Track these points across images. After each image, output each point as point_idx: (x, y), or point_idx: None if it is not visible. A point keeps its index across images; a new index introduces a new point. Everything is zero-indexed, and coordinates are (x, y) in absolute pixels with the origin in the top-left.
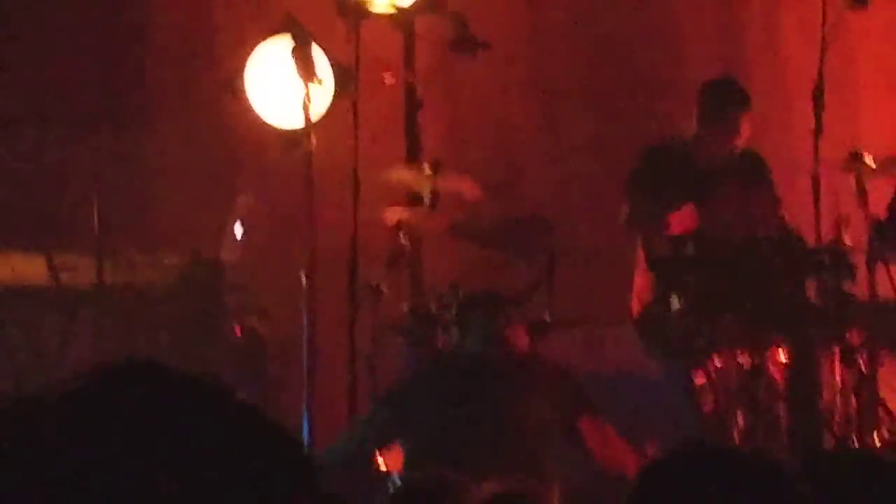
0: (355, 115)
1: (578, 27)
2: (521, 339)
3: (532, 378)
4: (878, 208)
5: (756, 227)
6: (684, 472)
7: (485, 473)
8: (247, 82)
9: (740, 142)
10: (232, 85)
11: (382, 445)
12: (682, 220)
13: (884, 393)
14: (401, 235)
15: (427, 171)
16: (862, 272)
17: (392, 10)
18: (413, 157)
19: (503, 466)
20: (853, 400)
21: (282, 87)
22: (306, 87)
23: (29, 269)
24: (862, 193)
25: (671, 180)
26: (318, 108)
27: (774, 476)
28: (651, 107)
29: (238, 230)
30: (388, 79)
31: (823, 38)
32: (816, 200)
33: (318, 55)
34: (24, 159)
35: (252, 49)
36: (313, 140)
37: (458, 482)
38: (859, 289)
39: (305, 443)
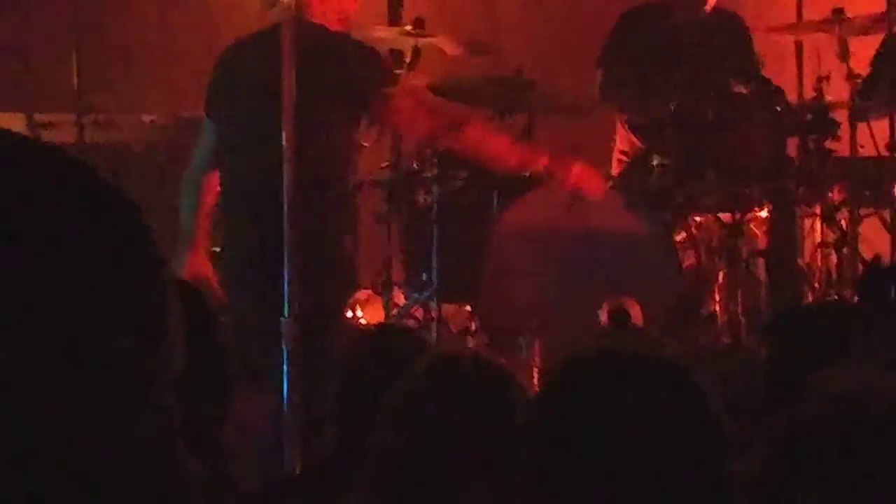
0: None
1: None
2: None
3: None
4: (861, 66)
5: (735, 85)
6: (591, 376)
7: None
8: None
9: None
10: None
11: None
12: None
13: (864, 250)
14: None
15: (408, 28)
16: (844, 130)
17: None
18: (394, 15)
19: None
20: (834, 257)
21: None
22: None
23: (9, 126)
24: (844, 51)
25: (647, 44)
26: None
27: (680, 383)
28: None
29: None
30: None
31: None
32: (799, 58)
33: None
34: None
35: None
36: None
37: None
38: (841, 146)
39: (286, 300)
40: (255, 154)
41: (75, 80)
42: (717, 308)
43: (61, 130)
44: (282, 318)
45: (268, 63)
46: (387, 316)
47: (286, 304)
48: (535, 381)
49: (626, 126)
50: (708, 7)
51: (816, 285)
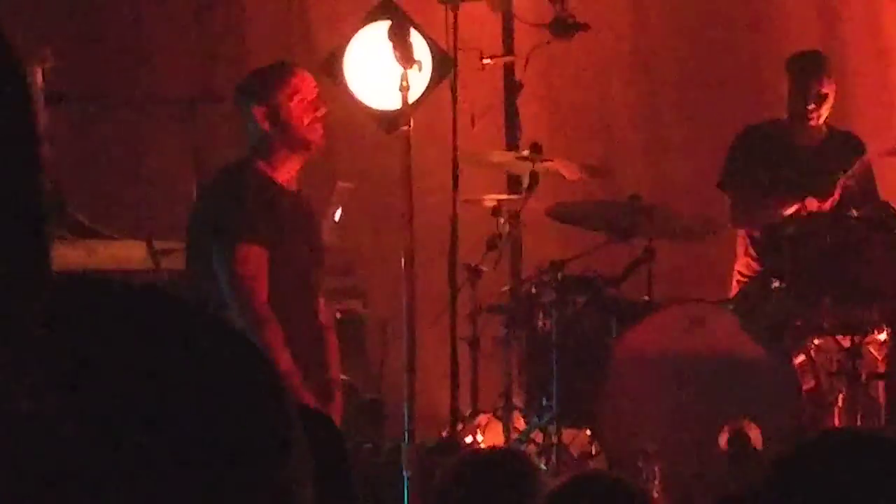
0: (454, 98)
1: (678, 6)
2: None
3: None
4: None
5: (854, 206)
6: (823, 460)
7: None
8: (345, 66)
9: (823, 111)
10: (330, 68)
11: None
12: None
13: None
14: (500, 218)
15: (526, 153)
16: None
17: None
18: (512, 139)
19: None
20: None
21: (380, 70)
22: (405, 70)
23: (130, 254)
24: None
25: (769, 164)
26: (417, 92)
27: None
28: (753, 86)
29: (337, 214)
30: (487, 62)
31: None
32: None
33: (416, 39)
34: (121, 142)
35: (349, 32)
36: (411, 123)
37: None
38: None
39: (407, 426)
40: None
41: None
42: None
43: (181, 258)
44: (402, 445)
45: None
46: (507, 440)
47: (406, 432)
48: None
49: (745, 248)
50: (819, 121)
51: None
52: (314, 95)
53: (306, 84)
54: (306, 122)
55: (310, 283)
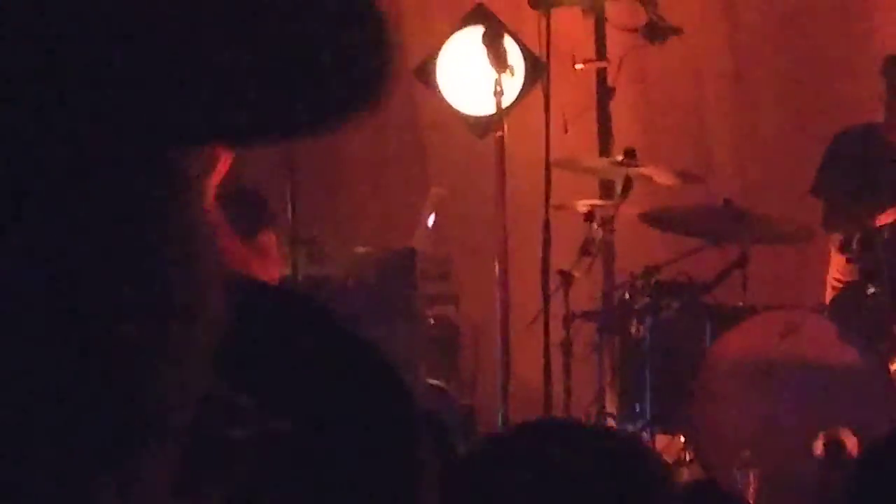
0: (547, 103)
1: (772, 8)
2: None
3: None
4: None
5: None
6: None
7: None
8: (438, 71)
9: None
10: (423, 73)
11: None
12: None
13: None
14: (593, 223)
15: (619, 158)
16: None
17: None
18: (605, 144)
19: None
20: None
21: (473, 76)
22: (498, 76)
23: None
24: None
25: (866, 170)
26: (510, 98)
27: None
28: (849, 91)
29: (431, 220)
30: (579, 67)
31: None
32: None
33: (509, 44)
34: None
35: (442, 38)
36: (505, 129)
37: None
38: None
39: (500, 430)
40: None
41: (289, 213)
42: None
43: None
44: None
45: None
46: None
47: None
48: None
49: (841, 254)
50: None
51: None
52: None
53: None
54: None
55: None
